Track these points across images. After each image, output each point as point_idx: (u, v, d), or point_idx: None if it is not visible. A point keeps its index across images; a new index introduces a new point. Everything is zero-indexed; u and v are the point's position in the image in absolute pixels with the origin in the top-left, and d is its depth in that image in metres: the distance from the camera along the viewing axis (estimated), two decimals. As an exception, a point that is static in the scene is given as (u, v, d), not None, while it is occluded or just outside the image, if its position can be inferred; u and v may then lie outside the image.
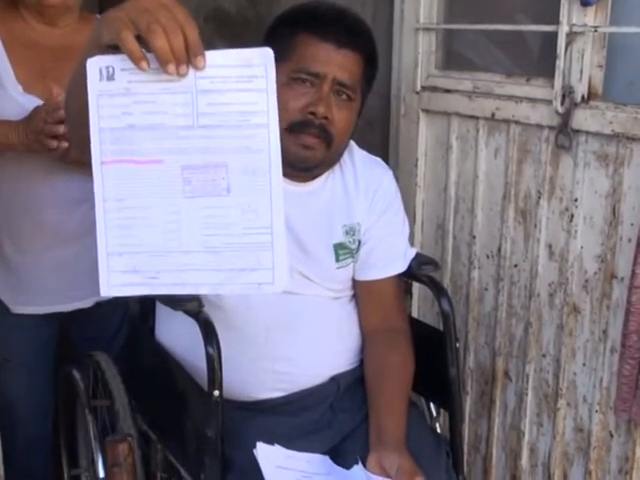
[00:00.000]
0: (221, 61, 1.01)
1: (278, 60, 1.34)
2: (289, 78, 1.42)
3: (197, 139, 1.03)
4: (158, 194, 1.05)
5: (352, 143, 1.59)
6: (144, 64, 0.98)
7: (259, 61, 1.02)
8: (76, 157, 1.52)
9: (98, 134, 1.03)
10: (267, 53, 1.02)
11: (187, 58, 0.98)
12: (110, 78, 1.01)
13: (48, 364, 1.93)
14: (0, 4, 1.77)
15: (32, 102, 1.65)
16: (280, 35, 1.46)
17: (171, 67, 0.98)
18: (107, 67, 1.01)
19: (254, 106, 1.02)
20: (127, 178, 1.04)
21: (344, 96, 1.45)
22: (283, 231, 1.05)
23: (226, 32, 2.95)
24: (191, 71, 1.00)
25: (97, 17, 1.72)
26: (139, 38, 0.97)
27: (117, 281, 1.06)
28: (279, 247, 1.05)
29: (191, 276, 1.06)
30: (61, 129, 1.54)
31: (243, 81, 1.02)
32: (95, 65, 1.02)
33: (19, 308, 1.83)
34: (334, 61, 1.43)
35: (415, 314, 2.23)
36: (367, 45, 1.49)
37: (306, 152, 1.44)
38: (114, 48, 0.99)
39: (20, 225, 1.78)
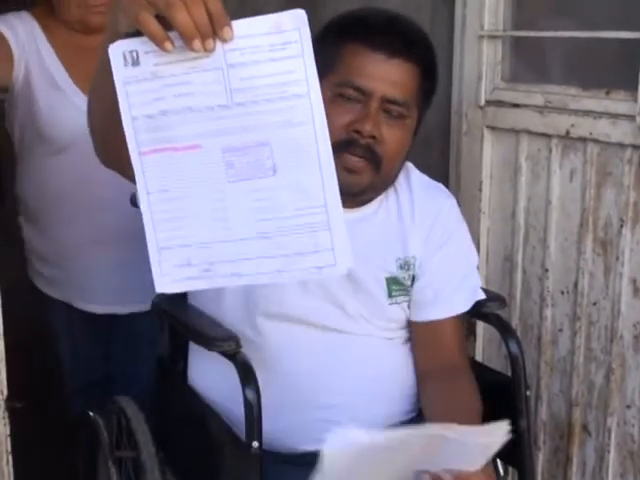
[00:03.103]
0: (250, 30, 1.03)
1: (323, 72, 1.36)
2: (334, 93, 1.42)
3: (234, 118, 1.05)
4: (201, 181, 1.08)
5: (410, 165, 1.59)
6: (168, 44, 1.00)
7: (291, 25, 1.03)
8: None
9: (131, 123, 1.06)
10: (300, 15, 1.03)
11: (212, 31, 1.00)
12: (135, 63, 1.04)
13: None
14: (41, 13, 1.98)
15: None
16: (326, 45, 1.46)
17: (197, 43, 0.99)
18: (130, 51, 1.04)
19: (291, 75, 1.04)
20: (168, 167, 1.08)
21: (396, 113, 1.45)
22: (339, 207, 1.07)
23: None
24: (219, 45, 1.02)
25: None
26: (159, 18, 0.99)
27: (171, 277, 1.10)
28: (337, 225, 1.07)
29: (246, 266, 1.09)
30: None
31: (276, 49, 1.03)
32: (118, 51, 1.04)
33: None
34: (384, 74, 1.42)
35: (479, 358, 2.22)
36: (424, 54, 1.49)
37: (351, 176, 1.43)
38: (133, 36, 1.02)
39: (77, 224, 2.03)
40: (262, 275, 1.10)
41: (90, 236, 2.01)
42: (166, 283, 1.11)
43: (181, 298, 1.58)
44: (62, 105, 1.91)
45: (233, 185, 1.07)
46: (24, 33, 1.94)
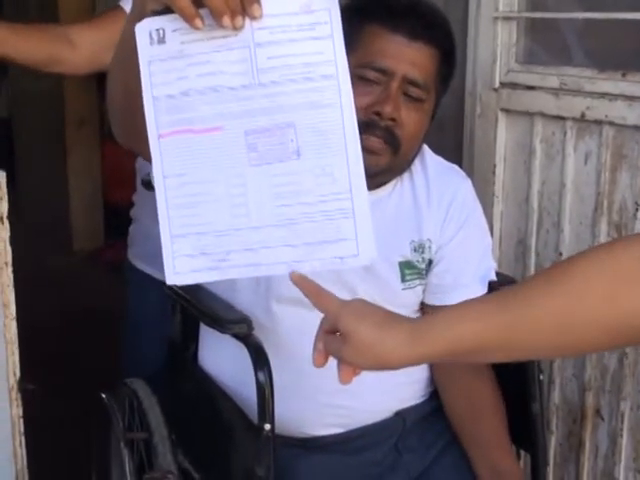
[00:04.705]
0: (279, 9, 1.02)
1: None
2: (353, 74, 1.41)
3: (259, 98, 1.04)
4: (221, 165, 1.05)
5: (425, 148, 1.60)
6: (198, 21, 1.00)
7: (321, 5, 1.02)
8: None
9: (152, 104, 1.05)
10: None
11: (242, 8, 1.00)
12: (161, 41, 1.03)
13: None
14: None
15: None
16: (347, 26, 1.47)
17: (226, 19, 0.99)
18: (157, 30, 1.03)
19: (320, 56, 1.03)
20: (187, 150, 1.06)
21: (415, 95, 1.45)
22: (365, 195, 1.05)
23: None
24: (247, 23, 1.01)
25: None
26: None
27: (184, 267, 1.08)
28: (361, 214, 1.04)
29: (265, 255, 1.07)
30: None
31: (305, 29, 1.03)
32: (145, 29, 1.04)
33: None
34: (405, 56, 1.43)
35: (492, 342, 2.22)
36: (444, 39, 1.50)
37: (370, 157, 1.40)
38: (159, 14, 1.02)
39: None
40: (281, 265, 1.07)
41: None
42: (178, 274, 1.08)
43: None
44: None
45: (254, 169, 1.05)
46: None
